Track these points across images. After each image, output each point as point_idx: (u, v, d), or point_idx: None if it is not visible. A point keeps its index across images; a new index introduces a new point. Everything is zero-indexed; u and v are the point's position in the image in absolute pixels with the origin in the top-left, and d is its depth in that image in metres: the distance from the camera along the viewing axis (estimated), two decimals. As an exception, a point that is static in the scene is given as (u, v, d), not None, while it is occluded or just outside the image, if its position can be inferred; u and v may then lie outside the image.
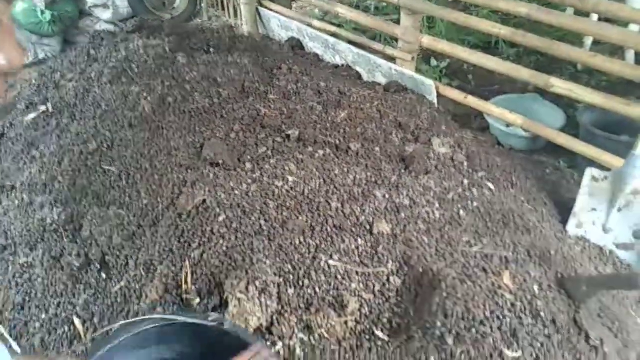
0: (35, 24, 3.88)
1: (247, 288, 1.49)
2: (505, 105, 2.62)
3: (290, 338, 1.46)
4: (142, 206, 1.92)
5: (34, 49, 4.03)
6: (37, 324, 1.77)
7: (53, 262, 1.92)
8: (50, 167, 2.23)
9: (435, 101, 2.80)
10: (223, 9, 4.44)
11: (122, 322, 1.25)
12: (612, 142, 2.29)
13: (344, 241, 1.77)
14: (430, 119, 2.59)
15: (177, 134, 2.17)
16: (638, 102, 2.08)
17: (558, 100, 2.83)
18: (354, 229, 1.83)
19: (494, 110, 2.59)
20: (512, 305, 1.49)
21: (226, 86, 2.41)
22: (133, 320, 1.24)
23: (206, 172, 1.96)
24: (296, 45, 3.55)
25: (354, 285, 1.62)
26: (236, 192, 1.87)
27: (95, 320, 1.70)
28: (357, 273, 1.67)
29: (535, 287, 1.60)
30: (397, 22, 2.94)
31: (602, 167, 2.11)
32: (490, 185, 2.18)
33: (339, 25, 3.73)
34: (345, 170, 2.13)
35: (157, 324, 1.26)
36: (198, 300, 1.58)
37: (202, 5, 4.71)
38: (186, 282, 1.63)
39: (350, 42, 3.25)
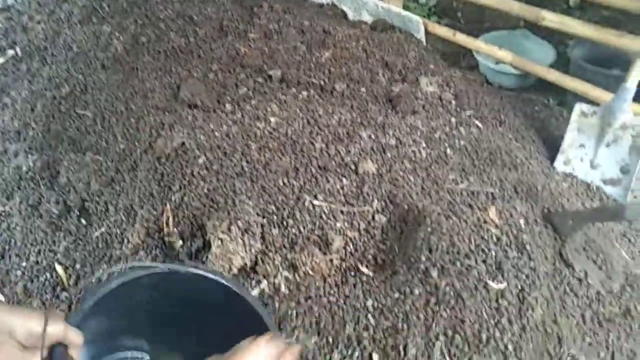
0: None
1: (229, 228, 1.46)
2: (494, 42, 2.53)
3: (275, 276, 1.45)
4: (119, 151, 1.85)
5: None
6: (19, 272, 1.74)
7: (31, 210, 1.87)
8: (22, 113, 2.14)
9: (424, 39, 2.70)
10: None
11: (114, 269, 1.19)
12: (603, 77, 2.24)
13: (328, 181, 1.73)
14: (418, 58, 2.51)
15: (152, 74, 2.08)
16: (631, 34, 2.01)
17: (548, 37, 2.75)
18: (338, 169, 1.79)
19: (483, 47, 2.51)
20: (498, 239, 1.48)
21: (203, 24, 2.29)
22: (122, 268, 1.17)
23: (184, 114, 1.89)
24: (278, -17, 3.38)
25: (338, 224, 1.60)
26: (216, 133, 1.80)
27: (77, 266, 1.67)
28: (341, 212, 1.64)
29: (521, 222, 1.59)
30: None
31: (592, 103, 2.07)
32: (478, 123, 2.14)
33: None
34: (330, 111, 2.07)
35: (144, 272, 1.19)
36: (181, 242, 1.55)
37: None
38: (168, 225, 1.59)
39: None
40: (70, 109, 2.04)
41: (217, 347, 0.80)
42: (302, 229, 1.58)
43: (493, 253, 1.43)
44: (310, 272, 1.46)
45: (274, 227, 1.57)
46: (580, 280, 1.57)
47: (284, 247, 1.53)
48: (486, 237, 1.47)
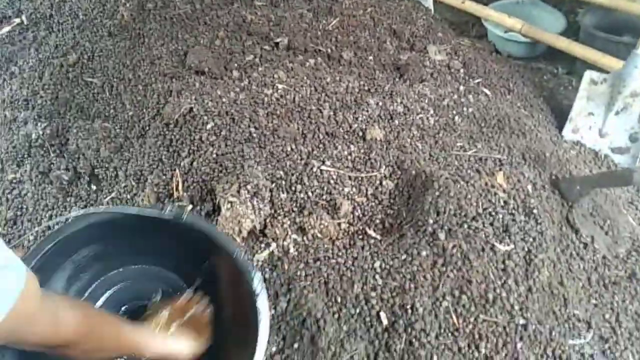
0: None
1: (238, 191, 1.47)
2: (503, 10, 2.50)
3: (284, 239, 1.47)
4: (127, 118, 1.86)
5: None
6: (31, 237, 1.77)
7: (41, 176, 1.90)
8: (30, 81, 2.15)
9: (432, 7, 2.67)
10: None
11: (75, 213, 1.24)
12: (613, 44, 2.21)
13: (336, 147, 1.73)
14: (426, 26, 2.48)
15: (159, 41, 2.07)
16: (644, -1, 1.98)
17: (558, 5, 2.71)
18: (346, 136, 1.80)
19: (493, 15, 2.48)
20: (505, 202, 1.48)
21: (209, -9, 2.27)
22: (85, 212, 1.24)
23: (191, 81, 1.88)
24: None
25: (346, 190, 1.61)
26: (224, 100, 1.80)
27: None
28: (349, 178, 1.65)
29: (529, 187, 1.59)
30: None
31: (601, 71, 2.05)
32: (487, 91, 2.12)
33: None
34: (337, 78, 2.06)
35: (111, 216, 1.27)
36: (190, 206, 1.57)
37: None
38: (177, 189, 1.61)
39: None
40: (78, 76, 2.05)
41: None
42: (310, 193, 1.59)
43: (500, 216, 1.44)
44: (319, 235, 1.48)
45: (283, 192, 1.58)
46: (586, 244, 1.58)
47: (293, 211, 1.55)
48: (494, 201, 1.48)
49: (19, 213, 1.87)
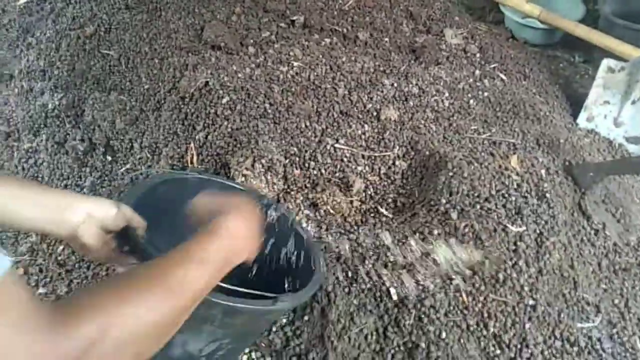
0: None
1: (252, 165, 1.48)
2: (522, -4, 2.47)
3: (297, 214, 1.48)
4: (143, 90, 1.87)
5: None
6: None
7: (57, 146, 1.91)
8: (47, 52, 2.15)
9: (449, -9, 2.64)
10: None
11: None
12: (633, 32, 2.18)
13: (350, 126, 1.74)
14: (443, 10, 2.46)
15: (176, 15, 2.07)
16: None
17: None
18: (360, 115, 1.80)
19: (511, 0, 2.45)
20: (518, 185, 1.48)
21: (226, -33, 2.26)
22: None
23: (207, 55, 1.88)
24: None
25: (359, 168, 1.62)
26: (239, 75, 1.81)
27: (103, 200, 1.71)
28: (363, 156, 1.66)
29: (542, 172, 1.59)
30: None
31: (620, 60, 2.03)
32: (502, 76, 2.11)
33: None
34: (353, 58, 2.05)
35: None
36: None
37: None
38: (192, 162, 1.62)
39: None
40: (94, 48, 2.05)
41: None
42: (323, 170, 1.60)
43: (513, 198, 1.45)
44: (331, 211, 1.49)
45: (296, 168, 1.59)
46: (597, 231, 1.58)
47: (306, 187, 1.56)
48: (507, 183, 1.48)
49: (34, 182, 1.89)
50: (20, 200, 0.79)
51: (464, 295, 1.29)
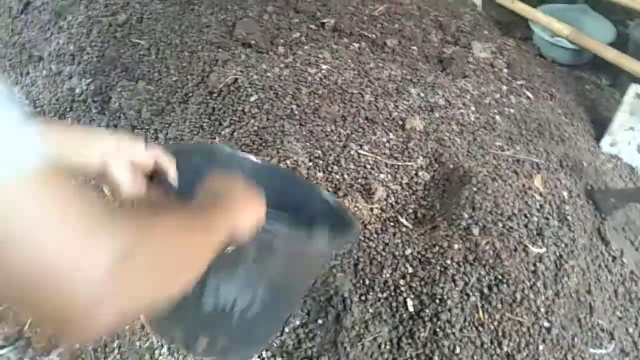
0: None
1: (278, 164, 1.49)
2: (552, 15, 2.45)
3: (317, 218, 1.48)
4: (171, 82, 1.88)
5: None
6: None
7: (82, 131, 1.93)
8: (78, 37, 2.17)
9: (480, 4, 2.64)
10: None
11: None
12: (664, 60, 2.16)
13: (375, 133, 1.74)
14: (473, 22, 2.46)
15: (208, 10, 2.08)
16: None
17: (609, 15, 2.65)
18: (385, 123, 1.80)
19: (541, 18, 2.44)
20: (541, 206, 1.48)
21: (260, -35, 2.27)
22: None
23: (238, 52, 1.90)
24: None
25: (382, 176, 1.62)
26: (268, 74, 1.81)
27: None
28: (386, 165, 1.66)
29: (565, 194, 1.59)
30: None
31: (648, 86, 2.01)
32: (529, 94, 2.11)
33: None
34: (380, 65, 2.05)
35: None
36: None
37: None
38: (216, 157, 1.63)
39: None
40: (125, 37, 2.07)
41: None
42: (346, 176, 1.60)
43: (535, 219, 1.45)
44: (352, 217, 1.49)
45: (319, 171, 1.60)
46: (615, 258, 1.58)
47: (328, 190, 1.56)
48: (530, 203, 1.48)
49: (57, 164, 1.91)
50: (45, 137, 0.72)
51: (480, 312, 1.29)
